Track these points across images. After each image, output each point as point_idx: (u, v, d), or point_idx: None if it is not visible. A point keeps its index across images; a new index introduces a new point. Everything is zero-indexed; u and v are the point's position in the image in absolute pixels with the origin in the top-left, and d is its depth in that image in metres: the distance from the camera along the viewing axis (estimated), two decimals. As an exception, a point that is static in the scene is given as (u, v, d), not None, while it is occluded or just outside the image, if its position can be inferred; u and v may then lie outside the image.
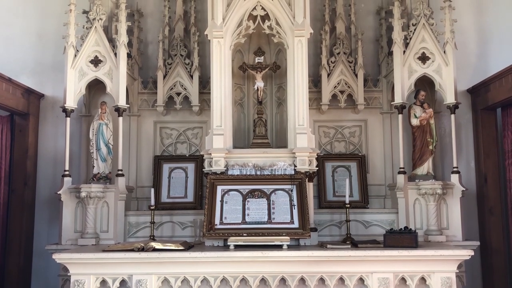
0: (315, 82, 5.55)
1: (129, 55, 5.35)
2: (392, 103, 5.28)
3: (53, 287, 5.18)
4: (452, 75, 5.10)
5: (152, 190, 4.95)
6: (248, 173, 4.77)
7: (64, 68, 5.11)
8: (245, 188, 4.69)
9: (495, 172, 5.43)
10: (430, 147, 5.14)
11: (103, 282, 4.15)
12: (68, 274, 4.18)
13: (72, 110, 5.10)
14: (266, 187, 4.69)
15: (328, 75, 5.44)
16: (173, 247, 4.20)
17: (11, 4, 5.84)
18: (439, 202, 4.98)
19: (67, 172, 5.04)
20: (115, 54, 5.14)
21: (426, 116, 5.16)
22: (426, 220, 4.97)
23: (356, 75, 5.43)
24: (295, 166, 4.77)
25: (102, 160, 5.14)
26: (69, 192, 4.99)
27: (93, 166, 5.16)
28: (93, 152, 5.17)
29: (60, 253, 4.18)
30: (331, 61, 5.48)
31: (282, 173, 4.77)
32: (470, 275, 5.22)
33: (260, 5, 4.98)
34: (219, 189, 4.68)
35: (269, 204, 4.61)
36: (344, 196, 4.88)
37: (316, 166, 4.86)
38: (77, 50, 5.13)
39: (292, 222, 4.51)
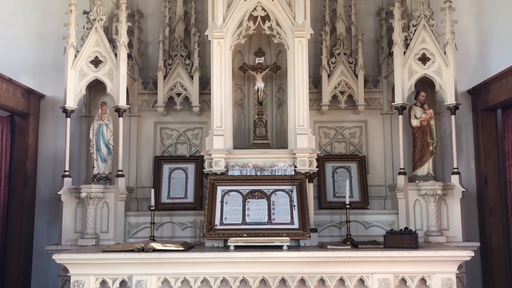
0: (315, 83, 5.55)
1: (129, 56, 5.35)
2: (392, 104, 5.28)
3: (53, 288, 5.19)
4: (453, 76, 5.10)
5: (152, 190, 4.95)
6: (248, 174, 4.77)
7: (64, 68, 5.10)
8: (245, 188, 4.69)
9: (496, 173, 5.43)
10: (431, 148, 5.14)
11: (103, 282, 4.15)
12: (68, 274, 4.18)
13: (73, 111, 5.10)
14: (266, 188, 4.69)
15: (329, 75, 5.44)
16: (173, 248, 4.20)
17: (11, 4, 5.84)
18: (439, 203, 4.98)
19: (67, 173, 5.04)
20: (116, 54, 5.14)
21: (426, 117, 5.16)
22: (426, 221, 4.96)
23: (357, 76, 5.43)
24: (295, 166, 4.77)
25: (102, 161, 5.14)
26: (69, 192, 4.99)
27: (93, 167, 5.16)
28: (93, 153, 5.17)
29: (60, 254, 4.17)
30: (332, 62, 5.48)
31: (282, 174, 4.77)
32: (471, 276, 5.22)
33: (261, 6, 4.98)
34: (219, 189, 4.68)
35: (269, 205, 4.60)
36: (344, 197, 4.88)
37: (316, 167, 4.86)
38: (78, 51, 5.13)
39: (292, 222, 4.51)
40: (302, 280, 4.16)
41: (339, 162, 5.51)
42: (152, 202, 4.86)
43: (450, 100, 5.10)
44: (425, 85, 5.32)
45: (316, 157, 4.88)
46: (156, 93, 5.46)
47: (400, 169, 5.11)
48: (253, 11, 4.99)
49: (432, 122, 5.17)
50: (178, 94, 5.46)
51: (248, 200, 4.63)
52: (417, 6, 5.26)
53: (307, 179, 4.73)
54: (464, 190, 5.03)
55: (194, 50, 5.50)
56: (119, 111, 5.11)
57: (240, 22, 5.00)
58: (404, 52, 5.17)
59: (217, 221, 4.51)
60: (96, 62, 5.15)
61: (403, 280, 4.16)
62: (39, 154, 5.62)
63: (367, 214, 5.15)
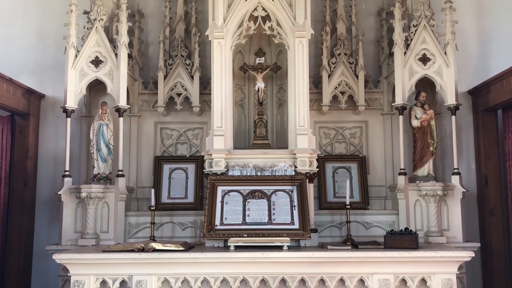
0: (315, 83, 5.54)
1: (129, 56, 5.34)
2: (392, 104, 5.28)
3: (53, 288, 5.18)
4: (453, 76, 5.10)
5: (153, 190, 4.95)
6: (248, 174, 4.77)
7: (64, 68, 5.10)
8: (246, 189, 4.69)
9: (496, 174, 5.43)
10: (431, 149, 5.13)
11: (103, 282, 4.15)
12: (68, 274, 4.18)
13: (73, 111, 5.10)
14: (267, 188, 4.69)
15: (329, 76, 5.44)
16: (173, 248, 4.19)
17: (11, 4, 5.84)
18: (439, 204, 4.98)
19: (67, 173, 5.03)
20: (116, 54, 5.14)
21: (426, 118, 5.16)
22: (427, 222, 4.96)
23: (357, 76, 5.43)
24: (295, 167, 4.77)
25: (103, 161, 5.13)
26: (69, 192, 4.98)
27: (94, 167, 5.16)
28: (93, 153, 5.16)
29: (60, 254, 4.17)
30: (332, 62, 5.48)
31: (283, 174, 4.77)
32: (471, 276, 5.22)
33: (261, 6, 4.98)
34: (220, 189, 4.68)
35: (269, 205, 4.60)
36: (345, 197, 4.87)
37: (317, 167, 4.86)
38: (78, 51, 5.13)
39: (292, 223, 4.51)
40: (302, 280, 4.16)
41: (339, 162, 5.51)
42: (152, 202, 4.85)
43: (450, 100, 5.10)
44: (426, 85, 5.32)
45: (317, 157, 4.88)
46: (156, 93, 5.46)
47: (401, 169, 5.11)
48: (253, 11, 5.00)
49: (433, 122, 5.17)
50: (179, 94, 5.46)
51: (248, 200, 4.63)
52: (417, 6, 5.26)
53: (307, 179, 4.73)
54: (465, 190, 5.02)
55: (195, 50, 5.50)
56: (119, 111, 5.11)
57: (240, 22, 5.00)
58: (405, 53, 5.17)
59: (217, 221, 4.51)
60: (96, 62, 5.15)
61: (404, 281, 4.16)
62: (39, 154, 5.62)
63: (367, 214, 5.15)
